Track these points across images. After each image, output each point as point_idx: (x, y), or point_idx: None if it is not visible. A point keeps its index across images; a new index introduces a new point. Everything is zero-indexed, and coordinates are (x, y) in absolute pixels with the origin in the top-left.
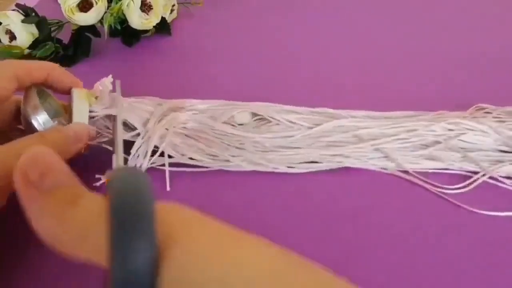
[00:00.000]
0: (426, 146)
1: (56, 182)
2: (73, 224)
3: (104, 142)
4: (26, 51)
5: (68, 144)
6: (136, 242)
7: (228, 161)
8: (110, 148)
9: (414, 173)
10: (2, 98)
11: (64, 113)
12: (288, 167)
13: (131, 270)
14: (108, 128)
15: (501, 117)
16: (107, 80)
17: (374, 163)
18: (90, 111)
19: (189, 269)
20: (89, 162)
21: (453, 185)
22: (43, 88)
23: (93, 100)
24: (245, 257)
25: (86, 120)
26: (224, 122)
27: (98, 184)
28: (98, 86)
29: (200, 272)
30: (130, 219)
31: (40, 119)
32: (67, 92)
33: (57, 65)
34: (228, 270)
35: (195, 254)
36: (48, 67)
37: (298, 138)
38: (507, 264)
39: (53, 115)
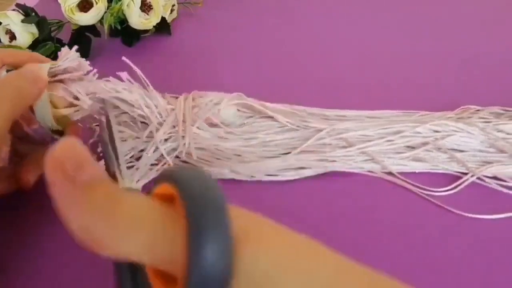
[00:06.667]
0: (413, 147)
1: (92, 177)
2: (121, 219)
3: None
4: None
5: (27, 85)
6: (215, 238)
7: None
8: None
9: (400, 176)
10: None
11: None
12: (275, 175)
13: (209, 266)
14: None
15: (486, 118)
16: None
17: (361, 166)
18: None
19: (263, 265)
20: None
21: (440, 186)
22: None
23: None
24: (314, 268)
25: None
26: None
27: None
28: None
29: (272, 267)
30: (209, 216)
31: None
32: None
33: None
34: (299, 278)
35: (267, 252)
36: (29, 53)
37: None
38: (494, 264)
39: None
